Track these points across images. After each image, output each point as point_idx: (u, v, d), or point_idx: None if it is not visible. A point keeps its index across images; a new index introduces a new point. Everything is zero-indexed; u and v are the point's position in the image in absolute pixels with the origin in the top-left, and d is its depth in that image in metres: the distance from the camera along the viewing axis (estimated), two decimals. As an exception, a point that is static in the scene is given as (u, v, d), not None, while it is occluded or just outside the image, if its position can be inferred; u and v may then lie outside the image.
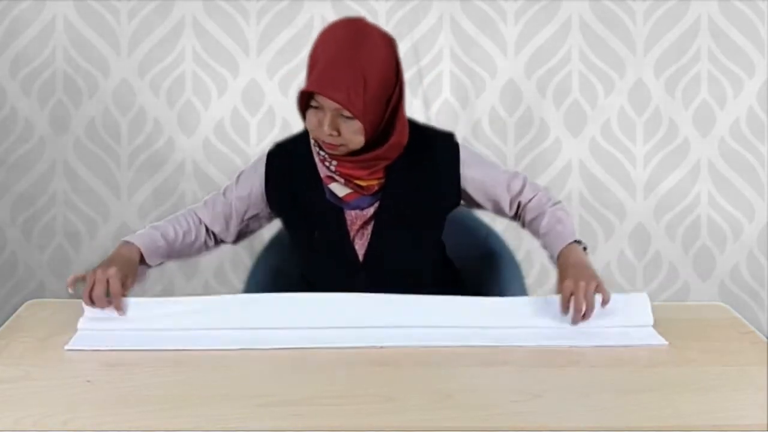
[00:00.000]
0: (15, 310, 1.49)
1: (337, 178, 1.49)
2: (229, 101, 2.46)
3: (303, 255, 1.63)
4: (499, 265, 1.77)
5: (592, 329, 1.37)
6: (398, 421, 1.11)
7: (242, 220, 1.60)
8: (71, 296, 1.39)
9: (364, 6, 2.43)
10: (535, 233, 1.57)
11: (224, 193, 1.60)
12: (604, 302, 1.38)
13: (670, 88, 2.49)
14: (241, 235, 1.63)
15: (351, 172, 1.48)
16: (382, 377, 1.23)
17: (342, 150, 1.44)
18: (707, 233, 2.54)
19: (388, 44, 1.44)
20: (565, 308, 1.38)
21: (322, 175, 1.51)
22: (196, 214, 1.60)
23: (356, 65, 1.38)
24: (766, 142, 2.50)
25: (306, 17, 2.44)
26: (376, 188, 1.50)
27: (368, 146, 1.44)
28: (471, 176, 1.55)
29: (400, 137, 1.48)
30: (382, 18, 2.43)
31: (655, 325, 1.40)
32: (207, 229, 1.60)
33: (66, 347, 1.30)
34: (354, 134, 1.41)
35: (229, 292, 2.43)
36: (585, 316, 1.37)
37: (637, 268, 2.55)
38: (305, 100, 1.41)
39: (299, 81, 2.45)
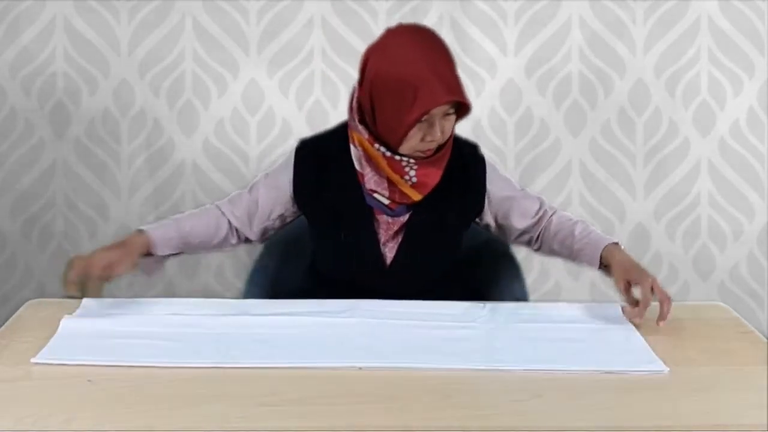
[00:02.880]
0: (15, 310, 1.49)
1: (380, 191, 1.49)
2: (229, 101, 2.46)
3: (325, 253, 1.61)
4: (499, 265, 1.77)
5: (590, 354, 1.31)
6: (398, 421, 1.10)
7: (268, 218, 1.58)
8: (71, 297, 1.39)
9: (364, 6, 2.43)
10: (565, 240, 1.55)
11: (250, 190, 1.58)
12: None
13: (670, 88, 2.49)
14: (265, 233, 1.61)
15: (428, 177, 1.47)
16: (383, 377, 1.23)
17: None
18: (707, 233, 2.54)
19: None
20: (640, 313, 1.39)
21: (366, 187, 1.50)
22: (219, 209, 1.58)
23: (443, 55, 1.42)
24: (766, 142, 2.50)
25: (306, 17, 2.44)
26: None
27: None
28: (494, 191, 1.57)
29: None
30: (382, 18, 2.43)
31: (656, 325, 1.40)
32: (230, 225, 1.57)
33: (33, 360, 1.25)
34: (452, 126, 1.45)
35: (229, 292, 2.43)
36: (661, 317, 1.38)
37: (637, 268, 2.55)
38: (414, 123, 1.39)
39: (299, 81, 2.45)
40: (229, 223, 1.57)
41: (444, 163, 1.49)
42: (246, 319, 1.39)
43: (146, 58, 2.43)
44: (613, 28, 2.46)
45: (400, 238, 1.53)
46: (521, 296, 1.73)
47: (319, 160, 1.54)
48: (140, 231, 1.49)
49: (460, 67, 2.40)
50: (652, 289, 1.38)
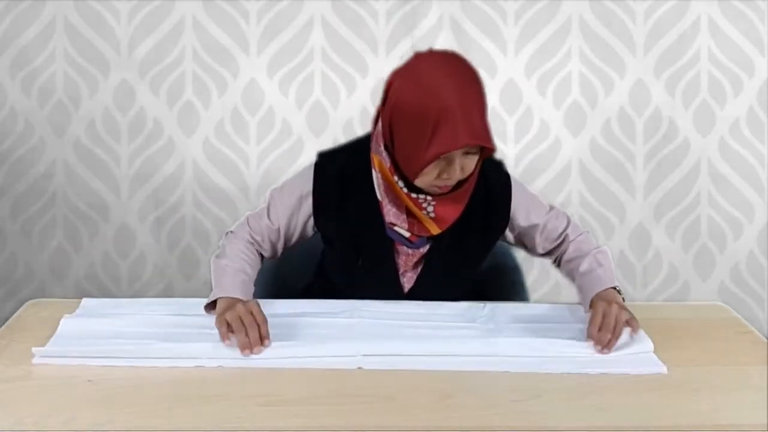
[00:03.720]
0: (15, 310, 1.49)
1: (400, 224, 1.43)
2: (229, 101, 2.46)
3: (343, 275, 1.56)
4: (500, 267, 1.77)
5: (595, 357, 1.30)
6: (398, 421, 1.11)
7: (288, 241, 1.52)
8: (72, 296, 1.39)
9: (364, 6, 2.43)
10: (572, 273, 1.51)
11: (269, 215, 1.49)
12: (634, 331, 1.32)
13: (670, 88, 2.49)
14: (283, 250, 1.55)
15: (448, 213, 1.41)
16: (383, 377, 1.23)
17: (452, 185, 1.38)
18: (707, 233, 2.54)
19: (476, 70, 1.36)
20: (592, 331, 1.32)
21: (386, 219, 1.43)
22: (251, 238, 1.49)
23: (473, 94, 1.31)
24: (766, 142, 2.50)
25: (306, 17, 2.44)
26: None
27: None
28: (518, 216, 1.51)
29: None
30: (382, 18, 2.43)
31: (656, 325, 1.40)
32: (259, 251, 1.51)
33: (33, 360, 1.24)
34: (474, 165, 1.36)
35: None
36: (609, 344, 1.30)
37: (637, 268, 2.55)
38: (430, 162, 1.30)
39: (299, 81, 2.45)
40: (257, 248, 1.52)
41: (466, 199, 1.42)
42: None
43: (146, 58, 2.43)
44: (612, 28, 2.46)
45: (419, 269, 1.49)
46: (521, 297, 1.72)
47: (341, 180, 1.46)
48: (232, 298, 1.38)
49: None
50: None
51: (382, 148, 1.40)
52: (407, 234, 1.44)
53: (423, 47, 1.43)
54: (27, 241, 2.49)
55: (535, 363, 1.27)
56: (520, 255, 1.80)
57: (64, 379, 1.21)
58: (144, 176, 2.48)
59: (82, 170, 2.47)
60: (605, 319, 1.31)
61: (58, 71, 2.43)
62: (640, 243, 2.53)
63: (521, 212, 1.51)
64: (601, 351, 1.30)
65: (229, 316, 1.29)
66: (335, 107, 2.45)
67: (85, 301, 1.46)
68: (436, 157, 1.29)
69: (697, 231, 2.54)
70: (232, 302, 1.33)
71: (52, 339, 1.31)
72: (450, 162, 1.32)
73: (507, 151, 2.48)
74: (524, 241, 1.56)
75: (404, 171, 1.37)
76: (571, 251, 1.52)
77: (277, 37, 2.44)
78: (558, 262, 1.57)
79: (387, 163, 1.39)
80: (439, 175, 1.33)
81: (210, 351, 1.27)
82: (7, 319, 1.45)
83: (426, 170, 1.32)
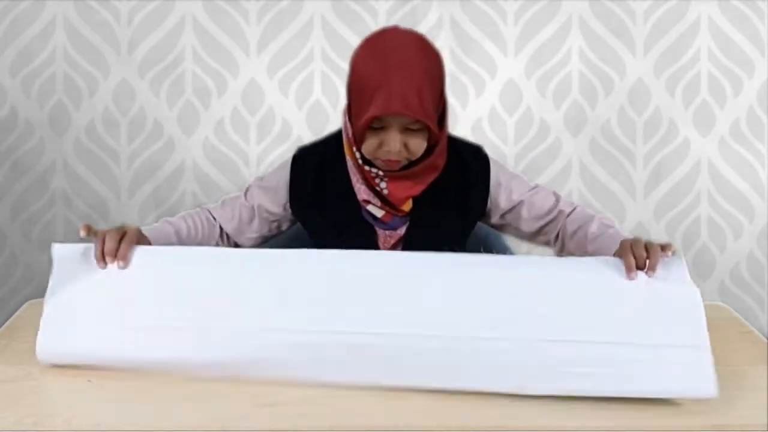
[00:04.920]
0: (15, 310, 1.49)
1: (373, 201, 1.46)
2: (229, 101, 2.46)
3: None
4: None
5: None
6: (398, 421, 1.10)
7: (262, 225, 1.55)
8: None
9: (364, 6, 2.43)
10: (581, 242, 1.45)
11: (245, 195, 1.55)
12: (668, 250, 1.23)
13: (670, 88, 2.49)
14: (257, 241, 1.57)
15: (402, 191, 1.43)
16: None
17: (401, 164, 1.40)
18: (707, 233, 2.54)
19: (436, 51, 1.39)
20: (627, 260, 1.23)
21: (358, 196, 1.47)
22: (211, 213, 1.54)
23: (418, 70, 1.32)
24: (766, 142, 2.50)
25: (306, 17, 2.44)
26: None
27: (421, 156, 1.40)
28: (497, 192, 1.51)
29: (444, 144, 1.44)
30: (382, 18, 2.43)
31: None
32: (222, 231, 1.54)
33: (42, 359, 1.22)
34: (419, 146, 1.37)
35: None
36: (649, 266, 1.21)
37: (637, 268, 2.55)
38: (364, 126, 1.34)
39: (299, 81, 2.45)
40: (221, 228, 1.55)
41: (423, 180, 1.43)
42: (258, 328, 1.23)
43: (146, 58, 2.43)
44: (613, 28, 2.46)
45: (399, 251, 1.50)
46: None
47: (317, 169, 1.50)
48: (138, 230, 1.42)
49: (460, 67, 2.44)
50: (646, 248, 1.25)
51: (347, 119, 1.43)
52: (381, 213, 1.46)
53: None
54: (27, 241, 2.49)
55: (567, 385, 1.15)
56: (520, 250, 1.80)
57: (64, 379, 1.21)
58: (144, 176, 2.48)
59: (82, 170, 2.47)
60: (635, 244, 1.24)
61: (58, 71, 2.43)
62: (640, 243, 2.53)
63: (502, 192, 1.51)
64: (644, 272, 1.21)
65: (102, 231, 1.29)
66: (335, 107, 2.45)
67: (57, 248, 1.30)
68: (369, 122, 1.32)
69: (697, 231, 2.54)
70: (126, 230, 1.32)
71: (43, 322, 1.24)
72: (387, 131, 1.34)
73: (507, 151, 2.48)
74: (512, 223, 1.54)
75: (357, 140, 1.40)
76: (572, 223, 1.49)
77: (277, 37, 2.44)
78: (561, 244, 1.51)
79: (349, 132, 1.42)
80: (380, 146, 1.36)
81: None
82: (7, 319, 1.45)
83: (366, 137, 1.36)
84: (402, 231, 1.49)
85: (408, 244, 1.49)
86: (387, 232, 1.49)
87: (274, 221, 1.56)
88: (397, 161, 1.39)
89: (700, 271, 2.56)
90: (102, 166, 2.47)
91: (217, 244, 1.53)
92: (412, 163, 1.41)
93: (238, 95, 2.46)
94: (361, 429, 1.09)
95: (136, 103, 2.45)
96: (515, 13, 2.46)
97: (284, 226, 1.58)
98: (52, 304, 1.25)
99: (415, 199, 1.47)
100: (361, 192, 1.46)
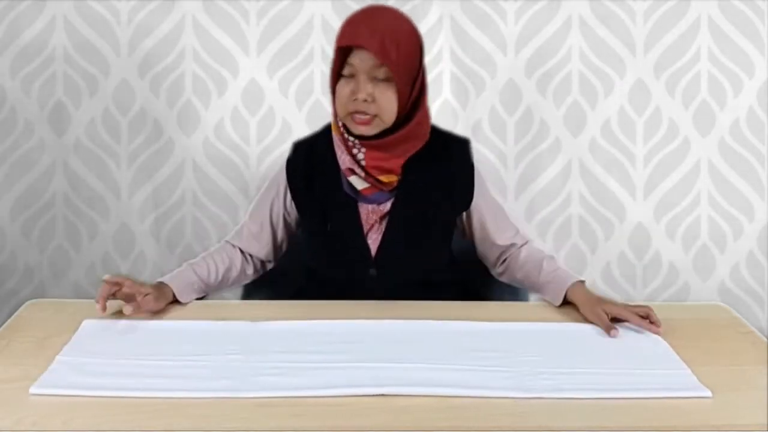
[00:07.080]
0: (15, 310, 1.49)
1: (357, 171, 1.49)
2: (229, 101, 2.46)
3: (315, 249, 1.62)
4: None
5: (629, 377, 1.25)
6: (398, 421, 1.11)
7: (273, 226, 1.61)
8: (72, 296, 1.39)
9: (364, 6, 2.43)
10: (530, 274, 1.57)
11: (251, 215, 1.63)
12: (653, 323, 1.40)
13: (670, 88, 2.48)
14: (276, 248, 1.64)
15: (378, 161, 1.47)
16: (382, 377, 1.23)
17: (375, 127, 1.44)
18: (707, 233, 2.54)
19: (415, 28, 1.47)
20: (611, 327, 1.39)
21: (342, 168, 1.51)
22: (228, 243, 1.63)
23: (389, 21, 1.43)
24: (766, 142, 2.50)
25: (306, 17, 2.44)
26: (395, 184, 1.51)
27: (395, 127, 1.46)
28: (478, 201, 1.58)
29: (425, 121, 1.50)
30: (382, 18, 2.43)
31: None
32: (243, 254, 1.62)
33: (31, 390, 1.17)
34: (388, 102, 1.42)
35: (229, 293, 2.43)
36: (655, 320, 1.39)
37: (637, 268, 2.55)
38: (337, 72, 1.43)
39: (299, 81, 2.45)
40: (241, 251, 1.62)
41: (401, 152, 1.48)
42: (253, 350, 1.30)
43: (146, 58, 2.43)
44: (613, 28, 2.46)
45: (383, 229, 1.54)
46: (518, 296, 1.73)
47: (310, 156, 1.56)
48: (161, 283, 1.49)
49: (461, 67, 2.44)
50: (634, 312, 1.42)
51: (332, 93, 1.48)
52: (364, 185, 1.49)
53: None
54: (27, 241, 2.49)
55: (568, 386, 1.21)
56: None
57: (64, 379, 1.20)
58: (144, 176, 2.48)
59: (82, 170, 2.47)
60: (626, 308, 1.41)
61: (58, 71, 2.43)
62: (640, 243, 2.53)
63: (482, 198, 1.58)
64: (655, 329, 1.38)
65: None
66: (335, 107, 2.45)
67: (85, 323, 1.39)
68: (338, 57, 1.41)
69: (697, 231, 2.54)
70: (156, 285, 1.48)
71: (52, 365, 1.24)
72: (356, 78, 1.41)
73: (507, 151, 2.48)
74: (478, 231, 1.61)
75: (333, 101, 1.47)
76: (524, 254, 1.60)
77: (277, 37, 2.44)
78: (505, 267, 1.63)
79: (333, 102, 1.48)
80: (351, 95, 1.41)
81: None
82: (7, 319, 1.45)
83: (339, 87, 1.43)
84: (386, 207, 1.53)
85: (392, 221, 1.53)
86: (370, 207, 1.53)
87: (281, 218, 1.61)
88: (368, 118, 1.43)
89: (700, 271, 2.56)
90: (102, 166, 2.47)
91: (242, 269, 1.62)
92: (386, 133, 1.45)
93: (238, 95, 2.46)
94: (360, 429, 1.09)
95: (136, 103, 2.45)
96: (515, 12, 2.46)
97: (292, 223, 1.64)
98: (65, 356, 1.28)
99: (402, 177, 1.50)
100: (346, 162, 1.50)
